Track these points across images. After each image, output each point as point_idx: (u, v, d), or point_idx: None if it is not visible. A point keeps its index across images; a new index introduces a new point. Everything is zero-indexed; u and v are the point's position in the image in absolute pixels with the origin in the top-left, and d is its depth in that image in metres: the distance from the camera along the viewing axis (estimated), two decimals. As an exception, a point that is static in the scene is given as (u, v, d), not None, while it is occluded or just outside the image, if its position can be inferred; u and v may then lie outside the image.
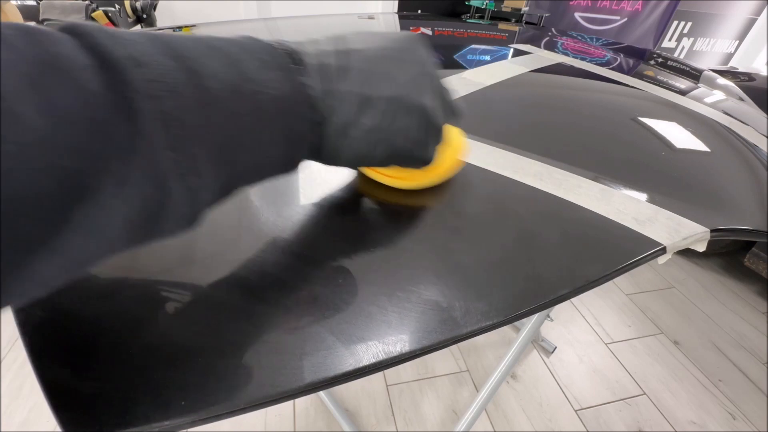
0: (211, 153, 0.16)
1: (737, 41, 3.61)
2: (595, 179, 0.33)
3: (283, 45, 0.20)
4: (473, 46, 0.79)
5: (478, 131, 0.39)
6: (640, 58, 0.92)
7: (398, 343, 0.19)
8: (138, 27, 2.03)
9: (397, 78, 0.22)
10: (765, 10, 3.39)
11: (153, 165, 0.14)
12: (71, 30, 0.14)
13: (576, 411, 1.07)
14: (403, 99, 0.22)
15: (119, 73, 0.13)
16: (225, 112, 0.16)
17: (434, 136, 0.24)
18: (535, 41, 0.86)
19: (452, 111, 0.26)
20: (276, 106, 0.18)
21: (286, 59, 0.19)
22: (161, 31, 0.16)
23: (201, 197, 0.16)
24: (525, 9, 2.66)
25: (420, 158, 0.25)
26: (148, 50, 0.14)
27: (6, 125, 0.10)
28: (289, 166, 0.21)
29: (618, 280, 1.49)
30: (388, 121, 0.22)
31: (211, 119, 0.15)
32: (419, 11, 1.80)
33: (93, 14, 1.87)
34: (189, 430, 0.16)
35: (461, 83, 0.52)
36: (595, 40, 1.02)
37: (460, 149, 0.31)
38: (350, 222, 0.26)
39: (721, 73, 1.02)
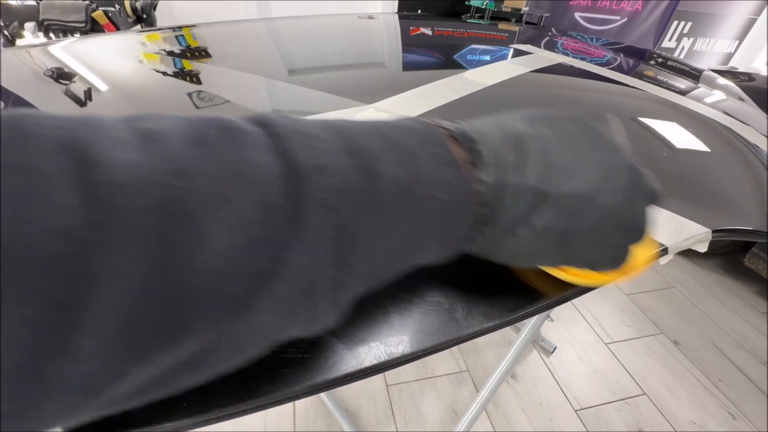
0: (368, 263, 0.15)
1: (737, 41, 3.61)
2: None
3: (457, 130, 0.18)
4: (473, 46, 0.79)
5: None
6: (640, 58, 0.92)
7: (400, 344, 0.19)
8: (138, 27, 2.03)
9: (582, 171, 0.18)
10: (765, 10, 3.39)
11: (310, 281, 0.13)
12: (265, 125, 0.14)
13: (576, 411, 1.07)
14: (587, 198, 0.18)
15: (304, 185, 0.13)
16: (395, 219, 0.15)
17: (628, 239, 0.19)
18: (535, 41, 0.85)
19: (653, 201, 0.20)
20: (445, 210, 0.16)
21: (454, 155, 0.17)
22: (333, 118, 0.16)
23: (342, 306, 0.15)
24: (525, 9, 2.66)
25: (603, 265, 0.20)
26: (331, 150, 0.14)
27: (191, 250, 0.10)
28: (436, 261, 0.18)
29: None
30: (564, 222, 0.18)
31: (380, 229, 0.15)
32: (419, 11, 1.80)
33: (93, 14, 1.87)
34: (189, 431, 0.16)
35: (461, 83, 0.52)
36: (595, 40, 1.02)
37: (653, 246, 0.24)
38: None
39: (721, 73, 1.02)
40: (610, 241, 0.19)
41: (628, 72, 0.72)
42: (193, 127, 0.13)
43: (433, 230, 0.16)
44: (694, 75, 0.81)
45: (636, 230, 0.19)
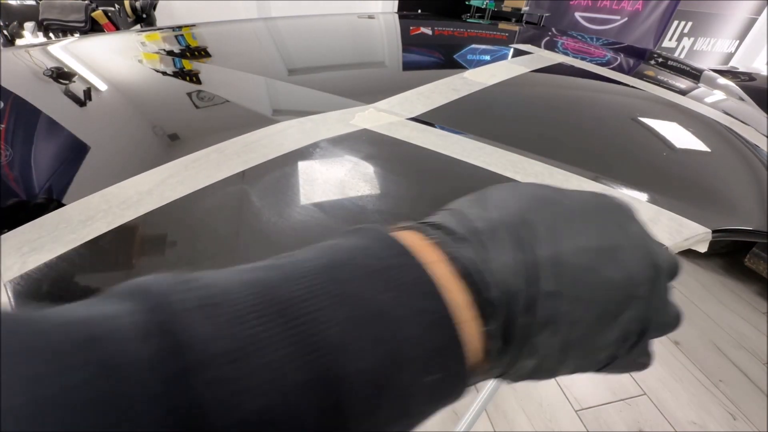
0: None
1: (737, 41, 3.61)
2: (595, 179, 0.33)
3: (453, 252, 0.14)
4: (473, 45, 0.79)
5: (478, 131, 0.39)
6: (640, 58, 0.92)
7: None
8: (138, 26, 2.03)
9: (601, 283, 0.15)
10: (765, 10, 3.39)
11: None
12: (161, 318, 0.10)
13: (576, 411, 1.06)
14: (612, 311, 0.15)
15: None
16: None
17: (646, 345, 0.17)
18: (535, 41, 0.85)
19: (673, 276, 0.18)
20: (436, 388, 0.13)
21: (445, 300, 0.13)
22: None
23: None
24: (525, 9, 2.66)
25: (616, 372, 0.18)
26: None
27: None
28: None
29: (618, 280, 1.49)
30: (582, 337, 0.15)
31: None
32: (419, 11, 1.80)
33: (93, 14, 1.87)
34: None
35: (461, 83, 0.52)
36: (595, 39, 1.02)
37: None
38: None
39: (721, 72, 1.02)
40: (631, 349, 0.16)
41: (629, 72, 0.72)
42: None
43: (423, 409, 0.13)
44: (695, 75, 0.81)
45: (660, 329, 0.17)
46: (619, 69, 0.72)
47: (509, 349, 0.14)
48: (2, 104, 0.41)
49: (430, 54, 0.72)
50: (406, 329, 0.12)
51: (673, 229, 0.28)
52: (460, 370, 0.13)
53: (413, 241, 0.14)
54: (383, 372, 0.11)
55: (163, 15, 2.25)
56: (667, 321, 0.17)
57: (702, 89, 0.71)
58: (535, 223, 0.15)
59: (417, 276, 0.13)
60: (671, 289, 0.17)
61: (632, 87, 0.62)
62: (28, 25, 1.83)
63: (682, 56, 3.36)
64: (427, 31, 0.90)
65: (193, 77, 0.52)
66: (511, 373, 0.16)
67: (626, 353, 0.16)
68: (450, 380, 0.13)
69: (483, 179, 0.32)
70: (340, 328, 0.11)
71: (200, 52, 0.63)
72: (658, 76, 0.72)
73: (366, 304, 0.11)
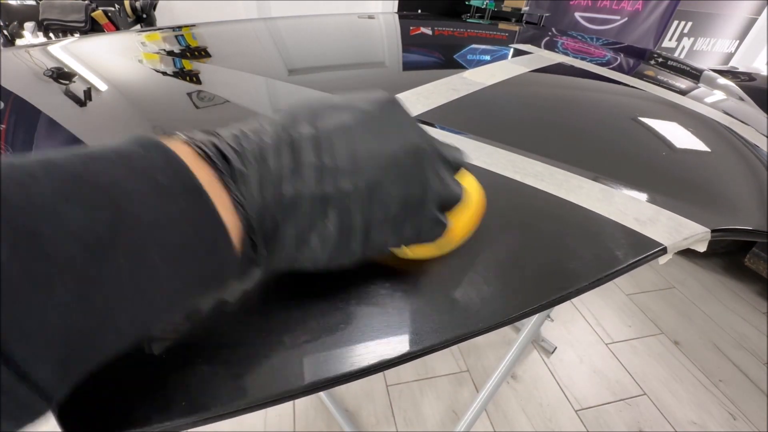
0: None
1: (737, 41, 3.61)
2: (595, 179, 0.33)
3: (208, 146, 0.15)
4: (473, 45, 0.79)
5: (478, 131, 0.39)
6: (640, 57, 0.92)
7: (399, 343, 0.19)
8: (138, 26, 2.03)
9: (367, 161, 0.17)
10: (765, 10, 3.39)
11: None
12: None
13: (576, 411, 1.06)
14: (374, 187, 0.17)
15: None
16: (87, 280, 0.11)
17: (437, 210, 0.20)
18: (535, 41, 0.85)
19: (453, 166, 0.21)
20: (181, 242, 0.13)
21: (193, 178, 0.14)
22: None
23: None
24: (525, 9, 2.66)
25: (425, 239, 0.20)
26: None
27: None
28: (207, 293, 0.16)
29: (618, 280, 1.49)
30: (358, 218, 0.17)
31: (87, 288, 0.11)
32: (419, 11, 1.80)
33: (93, 14, 1.87)
34: (189, 430, 0.16)
35: (461, 83, 0.52)
36: (595, 39, 1.02)
37: (476, 202, 0.24)
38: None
39: (721, 72, 1.02)
40: (419, 218, 0.19)
41: (629, 72, 0.72)
42: None
43: (179, 271, 0.14)
44: (694, 75, 0.81)
45: (443, 200, 0.20)
46: (619, 69, 0.72)
47: (274, 230, 0.16)
48: (2, 104, 0.41)
49: (430, 54, 0.73)
50: (133, 195, 0.12)
51: (672, 229, 0.28)
52: (214, 228, 0.14)
53: (168, 140, 0.15)
54: (98, 233, 0.11)
55: (163, 15, 2.25)
56: (446, 196, 0.20)
57: (702, 89, 0.71)
58: (297, 113, 0.18)
59: (164, 159, 0.14)
60: (449, 170, 0.21)
61: (632, 87, 0.62)
62: (28, 25, 1.83)
63: (682, 56, 3.36)
64: (427, 31, 0.90)
65: (193, 77, 0.52)
66: (292, 257, 0.17)
67: (411, 224, 0.19)
68: (202, 239, 0.14)
69: (483, 179, 0.32)
70: (62, 199, 0.11)
71: (200, 52, 0.63)
72: (658, 76, 0.72)
73: (100, 183, 0.12)
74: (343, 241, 0.18)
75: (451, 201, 0.20)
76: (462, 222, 0.23)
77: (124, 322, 0.13)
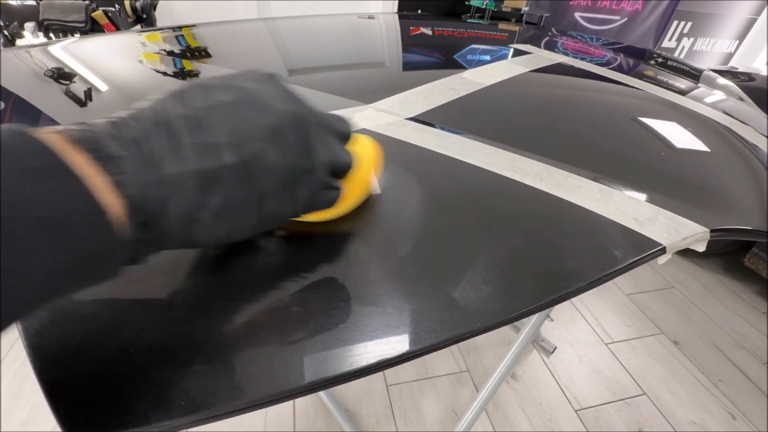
0: None
1: (737, 41, 3.61)
2: (594, 179, 0.33)
3: (77, 135, 0.15)
4: (473, 46, 0.79)
5: (477, 131, 0.39)
6: (640, 58, 0.92)
7: (398, 343, 0.19)
8: (138, 27, 2.03)
9: (246, 133, 0.18)
10: (765, 10, 3.39)
11: None
12: None
13: (576, 411, 1.07)
14: (258, 158, 0.18)
15: None
16: None
17: (324, 182, 0.21)
18: (535, 41, 0.85)
19: (339, 133, 0.23)
20: (59, 229, 0.13)
21: (59, 160, 0.14)
22: None
23: None
24: (525, 9, 2.66)
25: (319, 206, 0.22)
26: None
27: None
28: (96, 278, 0.16)
29: (618, 280, 1.49)
30: (244, 192, 0.18)
31: None
32: (419, 11, 1.80)
33: (93, 14, 1.87)
34: (189, 430, 0.16)
35: (461, 83, 0.52)
36: (595, 40, 1.02)
37: (369, 163, 0.26)
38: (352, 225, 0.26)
39: (721, 73, 1.02)
40: (309, 185, 0.20)
41: (628, 72, 0.72)
42: None
43: (55, 252, 0.13)
44: (694, 75, 0.81)
45: (333, 167, 0.21)
46: (619, 69, 0.72)
47: (159, 208, 0.16)
48: (2, 104, 0.41)
49: (430, 54, 0.73)
50: (4, 180, 0.12)
51: (672, 229, 0.28)
52: (90, 209, 0.14)
53: (38, 131, 0.15)
54: None
55: (163, 15, 2.25)
56: (335, 163, 0.21)
57: (702, 89, 0.71)
58: (178, 94, 0.18)
59: (31, 146, 0.14)
60: (337, 138, 0.22)
61: (632, 87, 0.62)
62: (29, 26, 1.83)
63: (681, 56, 3.36)
64: (427, 31, 0.90)
65: (193, 77, 0.52)
66: (184, 235, 0.18)
67: (303, 192, 0.20)
68: (78, 221, 0.14)
69: (483, 179, 0.32)
70: None
71: (200, 53, 0.63)
72: (658, 76, 0.72)
73: None
74: (235, 214, 0.18)
75: (340, 167, 0.22)
76: (355, 185, 0.25)
77: (5, 302, 0.12)
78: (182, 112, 0.17)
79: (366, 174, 0.25)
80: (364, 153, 0.25)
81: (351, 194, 0.24)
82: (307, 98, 0.21)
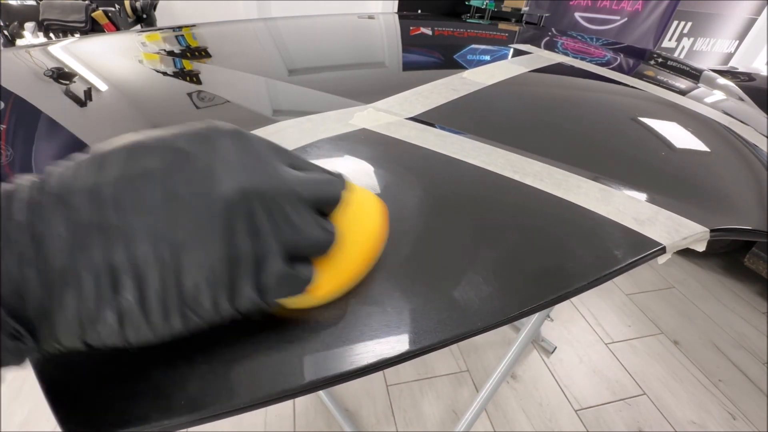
0: None
1: (737, 41, 3.61)
2: (594, 179, 0.33)
3: None
4: (473, 46, 0.79)
5: (477, 131, 0.39)
6: (640, 58, 0.92)
7: (397, 342, 0.19)
8: (138, 26, 2.03)
9: (170, 217, 0.14)
10: (765, 10, 3.39)
11: None
12: None
13: (576, 411, 1.07)
14: (185, 250, 0.14)
15: None
16: None
17: (281, 270, 0.16)
18: (535, 41, 0.85)
19: (328, 201, 0.18)
20: None
21: None
22: None
23: None
24: (525, 9, 2.66)
25: (277, 298, 0.17)
26: None
27: None
28: None
29: (618, 280, 1.49)
30: (169, 286, 0.14)
31: None
32: (419, 11, 1.80)
33: (93, 14, 1.87)
34: (189, 429, 0.16)
35: (461, 83, 0.52)
36: (595, 40, 1.02)
37: (367, 236, 0.21)
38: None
39: (721, 73, 1.02)
40: (262, 275, 0.15)
41: (628, 72, 0.72)
42: None
43: None
44: (694, 75, 0.81)
45: (299, 248, 0.16)
46: (619, 69, 0.72)
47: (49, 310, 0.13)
48: (3, 104, 0.41)
49: (430, 54, 0.73)
50: None
51: (671, 228, 0.28)
52: None
53: None
54: None
55: (163, 15, 2.25)
56: (302, 245, 0.16)
57: (702, 89, 0.71)
58: (93, 157, 0.15)
59: None
60: (309, 210, 0.17)
61: (632, 87, 0.62)
62: (29, 26, 1.83)
63: (681, 56, 3.36)
64: (427, 31, 0.90)
65: (193, 77, 0.52)
66: (64, 334, 0.14)
67: (250, 284, 0.15)
68: None
69: (482, 179, 0.32)
70: None
71: (200, 53, 0.63)
72: (658, 76, 0.72)
73: None
74: (153, 312, 0.14)
75: (313, 249, 0.17)
76: (343, 261, 0.19)
77: None
78: (90, 183, 0.14)
79: (361, 245, 0.20)
80: (360, 218, 0.20)
81: (333, 277, 0.19)
82: (285, 153, 0.17)
